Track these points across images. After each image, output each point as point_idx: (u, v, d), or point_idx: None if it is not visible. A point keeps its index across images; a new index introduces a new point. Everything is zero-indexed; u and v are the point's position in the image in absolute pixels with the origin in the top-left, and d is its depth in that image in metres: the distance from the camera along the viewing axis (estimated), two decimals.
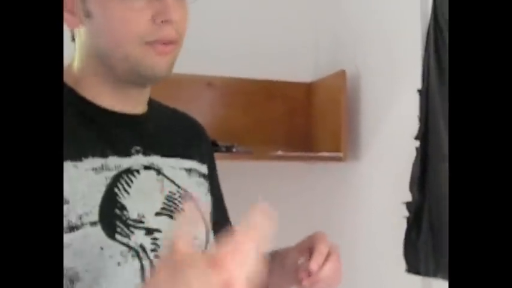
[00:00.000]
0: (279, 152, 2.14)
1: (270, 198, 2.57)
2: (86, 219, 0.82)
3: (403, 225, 1.67)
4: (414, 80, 1.69)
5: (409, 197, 1.67)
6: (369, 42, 2.03)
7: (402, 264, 1.67)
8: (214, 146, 1.93)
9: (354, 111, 2.08)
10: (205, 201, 1.01)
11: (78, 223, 0.82)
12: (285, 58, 2.34)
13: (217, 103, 2.20)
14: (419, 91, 1.66)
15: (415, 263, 1.63)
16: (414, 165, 1.64)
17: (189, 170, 0.99)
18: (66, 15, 0.89)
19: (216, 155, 1.12)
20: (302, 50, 2.39)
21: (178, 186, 0.95)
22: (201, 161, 1.03)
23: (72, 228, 0.81)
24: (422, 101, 1.64)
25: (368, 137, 2.03)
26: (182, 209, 0.92)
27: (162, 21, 0.86)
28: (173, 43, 0.89)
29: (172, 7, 0.86)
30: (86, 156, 0.86)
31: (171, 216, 0.91)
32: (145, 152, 0.93)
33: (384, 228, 1.89)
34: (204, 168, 1.03)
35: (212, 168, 1.08)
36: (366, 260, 2.02)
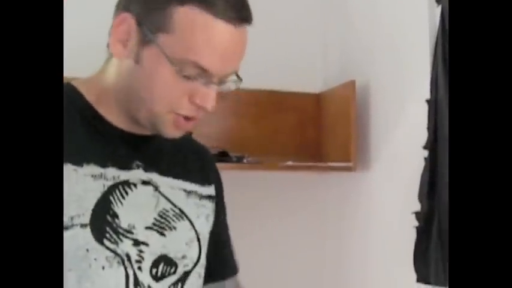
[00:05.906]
0: (289, 163, 2.15)
1: (280, 209, 2.59)
2: (77, 221, 0.86)
3: (414, 235, 1.67)
4: (423, 90, 1.69)
5: (419, 206, 1.67)
6: (378, 53, 2.04)
7: (413, 274, 1.67)
8: (225, 157, 1.95)
9: (364, 121, 2.09)
10: (204, 223, 1.03)
11: (69, 224, 0.85)
12: (294, 69, 2.35)
13: (228, 114, 2.22)
14: (428, 101, 1.66)
15: (425, 273, 1.63)
16: (423, 175, 1.65)
17: (188, 192, 1.01)
18: (116, 44, 0.91)
19: (226, 165, 1.14)
20: (311, 61, 2.41)
21: (174, 205, 0.98)
22: (204, 184, 1.05)
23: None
24: (431, 111, 1.65)
25: (378, 146, 2.03)
26: (174, 227, 0.96)
27: (198, 105, 0.90)
28: (194, 120, 0.94)
29: (215, 99, 0.91)
30: (88, 163, 0.90)
31: (160, 233, 0.94)
32: (146, 169, 0.96)
33: (395, 238, 1.89)
34: (206, 191, 1.05)
35: (218, 193, 1.10)
36: (376, 270, 2.03)
